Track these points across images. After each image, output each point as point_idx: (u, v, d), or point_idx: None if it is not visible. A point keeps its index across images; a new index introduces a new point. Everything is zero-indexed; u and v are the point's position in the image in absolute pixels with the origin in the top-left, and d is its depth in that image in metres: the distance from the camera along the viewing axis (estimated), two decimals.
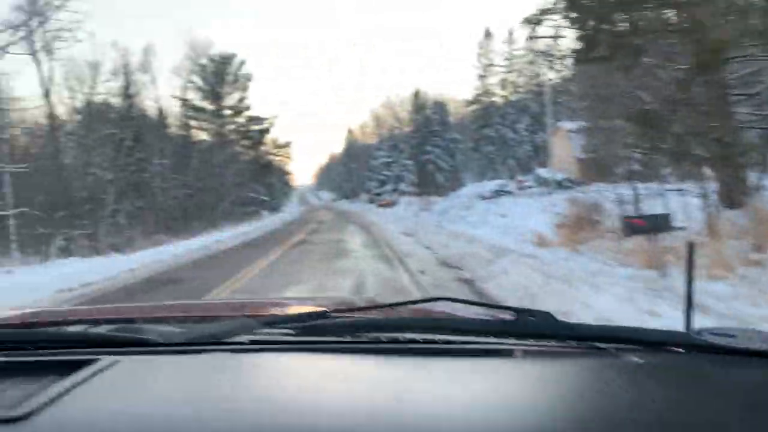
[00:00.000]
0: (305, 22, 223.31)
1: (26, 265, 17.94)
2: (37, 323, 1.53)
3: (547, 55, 27.63)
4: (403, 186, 48.07)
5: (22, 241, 22.73)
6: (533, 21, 11.56)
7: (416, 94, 65.86)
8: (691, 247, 1.30)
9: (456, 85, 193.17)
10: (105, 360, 1.00)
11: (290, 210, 74.94)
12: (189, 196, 42.02)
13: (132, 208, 34.02)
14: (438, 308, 1.60)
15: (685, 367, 1.06)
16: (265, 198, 67.58)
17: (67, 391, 0.86)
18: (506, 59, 56.09)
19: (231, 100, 60.27)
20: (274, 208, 73.84)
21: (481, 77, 56.57)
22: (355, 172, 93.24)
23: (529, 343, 1.14)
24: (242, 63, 59.80)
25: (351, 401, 0.89)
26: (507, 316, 1.23)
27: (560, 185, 30.92)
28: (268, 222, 40.05)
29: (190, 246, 19.70)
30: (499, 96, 56.58)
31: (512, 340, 1.15)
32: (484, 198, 33.04)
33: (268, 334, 1.20)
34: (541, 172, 38.71)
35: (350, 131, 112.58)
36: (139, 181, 35.08)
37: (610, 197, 14.08)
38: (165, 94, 55.21)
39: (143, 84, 39.08)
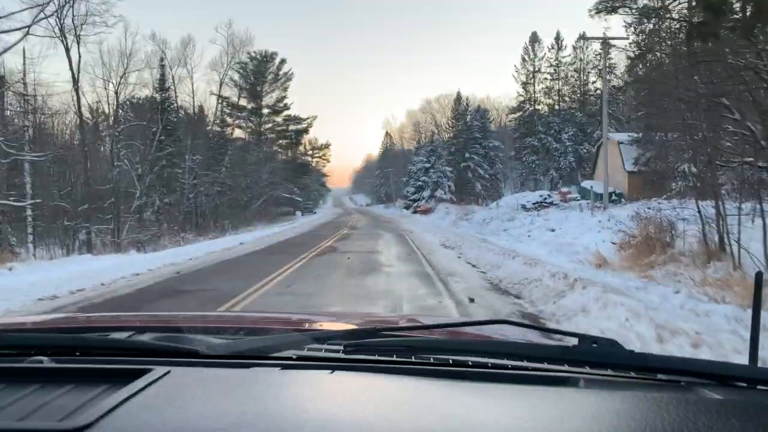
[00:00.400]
0: (345, 21, 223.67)
1: (37, 259, 16.79)
2: (80, 329, 1.59)
3: (606, 48, 25.46)
4: (440, 193, 46.20)
5: (43, 233, 21.78)
6: (605, 8, 9.81)
7: (458, 99, 64.05)
8: (759, 277, 1.24)
9: (497, 92, 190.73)
10: (157, 371, 1.01)
11: (324, 212, 73.91)
12: (220, 194, 41.09)
13: (160, 204, 33.09)
14: (496, 331, 1.58)
15: (761, 404, 0.99)
16: (299, 199, 66.65)
17: (124, 401, 0.87)
18: (552, 66, 53.90)
19: (270, 99, 59.59)
20: (308, 210, 72.88)
21: (526, 84, 54.48)
22: (391, 176, 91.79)
23: (590, 371, 1.10)
24: (283, 62, 58.96)
25: (399, 424, 0.86)
26: (570, 341, 1.16)
27: (609, 199, 28.81)
28: (299, 224, 38.84)
29: (212, 248, 18.33)
30: (544, 104, 54.39)
31: (573, 368, 1.11)
32: (526, 209, 31.16)
33: (317, 350, 1.21)
34: (588, 184, 36.59)
35: (388, 134, 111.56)
36: (168, 177, 34.16)
37: (683, 215, 12.19)
38: (202, 89, 55.24)
39: (180, 78, 38.30)
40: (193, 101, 43.71)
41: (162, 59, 34.97)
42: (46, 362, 1.09)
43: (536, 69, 54.20)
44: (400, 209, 64.85)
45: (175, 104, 37.16)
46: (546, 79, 53.97)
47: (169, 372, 1.02)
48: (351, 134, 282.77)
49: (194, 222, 37.09)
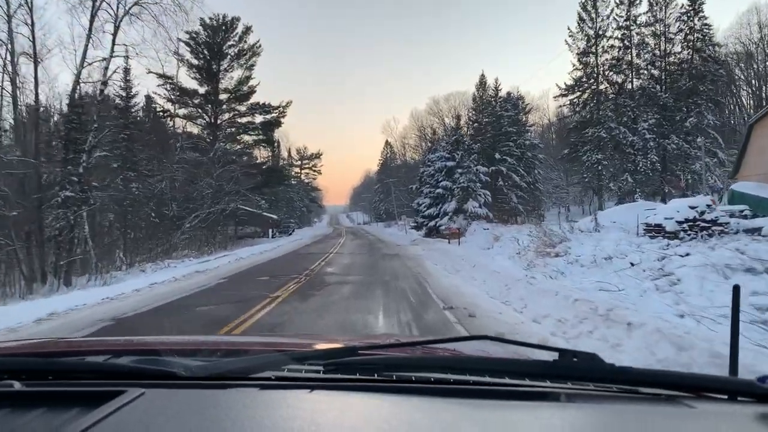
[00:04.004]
0: (340, 17, 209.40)
1: None
2: (56, 353, 1.55)
3: None
4: (472, 205, 30.18)
5: None
6: None
7: (481, 84, 48.46)
8: (736, 290, 1.24)
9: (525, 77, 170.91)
10: (131, 392, 0.99)
11: (307, 233, 57.79)
12: (130, 210, 25.42)
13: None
14: (477, 347, 1.60)
15: (745, 417, 0.95)
16: (273, 216, 50.67)
17: (95, 423, 0.86)
18: (621, 28, 38.30)
19: (230, 81, 44.40)
20: (285, 230, 56.93)
21: (584, 54, 38.86)
22: (392, 189, 76.47)
23: (571, 386, 1.09)
24: (247, 30, 43.33)
25: None
26: (549, 356, 1.15)
27: None
28: (243, 255, 22.81)
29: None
30: (609, 83, 38.64)
31: (555, 383, 1.10)
32: (667, 233, 15.40)
33: (297, 370, 1.19)
34: (741, 186, 20.93)
35: (388, 144, 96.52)
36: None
37: None
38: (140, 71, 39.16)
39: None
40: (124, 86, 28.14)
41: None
42: (18, 386, 1.06)
43: (599, 32, 38.61)
44: (404, 229, 48.75)
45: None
46: (613, 47, 38.38)
47: (143, 394, 1.00)
48: (351, 149, 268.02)
49: (96, 252, 21.42)
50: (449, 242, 24.24)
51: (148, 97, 36.99)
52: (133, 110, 28.26)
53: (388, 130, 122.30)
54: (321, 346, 1.65)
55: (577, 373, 1.09)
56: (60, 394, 1.03)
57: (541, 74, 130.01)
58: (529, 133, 46.40)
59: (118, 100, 26.65)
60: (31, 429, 0.87)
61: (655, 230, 16.29)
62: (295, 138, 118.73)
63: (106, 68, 22.03)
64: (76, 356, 1.41)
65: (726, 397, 1.03)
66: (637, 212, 18.60)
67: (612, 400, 1.05)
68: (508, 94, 46.41)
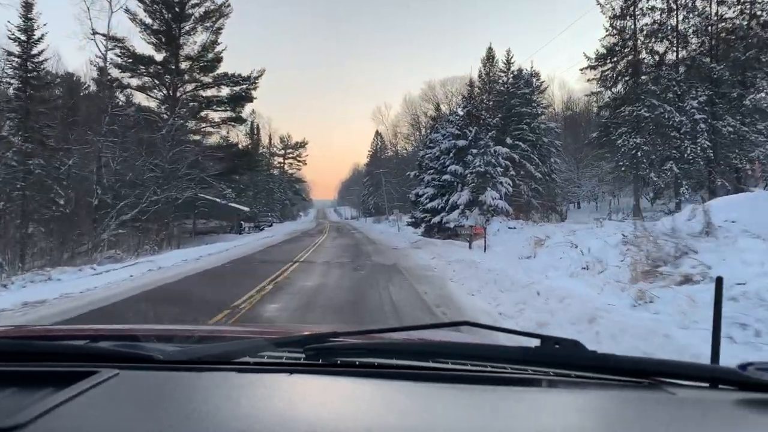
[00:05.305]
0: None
1: None
2: (32, 337, 1.51)
3: None
4: (491, 196, 22.80)
5: None
6: None
7: (489, 58, 41.68)
8: (719, 282, 1.25)
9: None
10: (105, 373, 0.98)
11: (285, 229, 50.67)
12: (27, 196, 18.38)
13: None
14: (459, 333, 1.58)
15: (727, 403, 0.96)
16: (244, 209, 43.57)
17: (65, 401, 0.85)
18: None
19: (193, 47, 37.25)
20: (263, 224, 49.88)
21: (618, 17, 32.03)
22: (383, 182, 69.78)
23: (553, 372, 1.09)
24: None
25: (357, 423, 0.84)
26: (531, 343, 1.13)
27: None
28: (174, 262, 15.80)
29: None
30: (649, 52, 31.84)
31: (536, 369, 1.10)
32: None
33: (276, 357, 1.17)
34: None
35: (378, 134, 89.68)
36: None
37: None
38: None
39: None
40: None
41: None
42: None
43: None
44: (396, 225, 41.85)
45: None
46: (654, 8, 31.63)
47: (117, 374, 0.98)
48: (340, 143, 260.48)
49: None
50: (470, 246, 17.31)
51: (103, 70, 29.74)
52: (36, 60, 21.08)
53: (379, 117, 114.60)
54: (302, 330, 1.52)
55: (559, 360, 1.07)
56: (33, 374, 1.01)
57: (546, 61, 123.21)
58: (544, 116, 39.66)
59: (14, 45, 19.49)
60: (3, 406, 0.85)
61: None
62: (279, 127, 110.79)
63: None
64: (52, 341, 1.37)
65: (707, 384, 1.03)
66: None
67: (594, 387, 1.04)
68: (520, 70, 39.61)
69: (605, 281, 10.14)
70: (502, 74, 39.36)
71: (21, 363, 1.09)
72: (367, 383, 1.03)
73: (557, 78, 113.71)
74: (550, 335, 1.11)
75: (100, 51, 30.71)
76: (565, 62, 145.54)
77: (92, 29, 29.26)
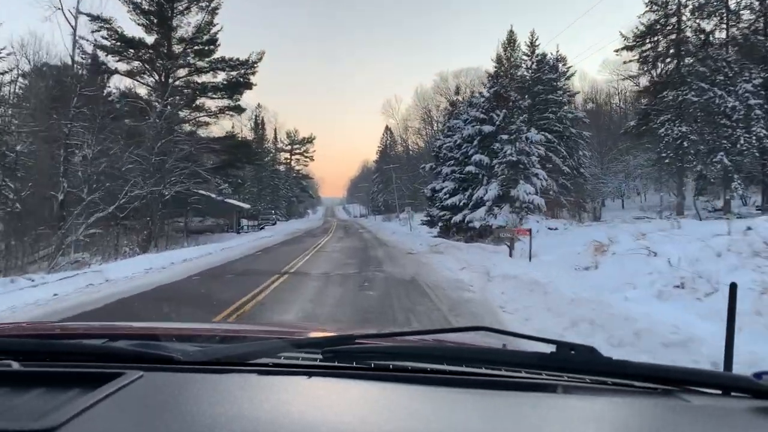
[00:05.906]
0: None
1: None
2: (52, 335, 1.53)
3: None
4: (525, 190, 19.28)
5: None
6: None
7: (510, 41, 38.24)
8: (733, 288, 1.23)
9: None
10: (129, 375, 0.99)
11: (288, 227, 47.45)
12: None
13: None
14: (475, 338, 1.57)
15: (741, 411, 0.96)
16: (244, 206, 40.35)
17: (95, 404, 0.86)
18: None
19: (187, 29, 34.10)
20: (265, 221, 46.71)
21: None
22: (393, 178, 66.45)
23: (568, 378, 1.09)
24: None
25: (375, 428, 0.85)
26: (547, 348, 1.14)
27: None
28: (123, 275, 12.61)
29: None
30: (694, 31, 28.24)
31: (551, 374, 1.10)
32: None
33: (295, 357, 1.19)
34: None
35: (388, 129, 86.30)
36: None
37: None
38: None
39: None
40: None
41: None
42: (16, 366, 1.06)
43: None
44: (408, 224, 38.49)
45: None
46: None
47: (141, 376, 0.99)
48: (350, 140, 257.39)
49: None
50: (510, 254, 13.76)
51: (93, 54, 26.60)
52: None
53: (389, 111, 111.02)
54: (318, 334, 1.59)
55: (575, 365, 1.08)
56: (58, 375, 1.02)
57: (566, 50, 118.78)
58: (572, 104, 36.18)
59: None
60: (30, 408, 0.86)
61: None
62: (285, 122, 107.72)
63: None
64: (73, 339, 1.39)
65: (721, 392, 1.03)
66: None
67: (608, 393, 1.05)
68: (544, 54, 36.12)
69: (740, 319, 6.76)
70: (526, 58, 35.88)
71: (46, 363, 1.10)
72: (386, 387, 1.03)
73: (578, 69, 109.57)
74: (566, 341, 1.08)
75: (69, 23, 27.53)
76: (585, 52, 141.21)
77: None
